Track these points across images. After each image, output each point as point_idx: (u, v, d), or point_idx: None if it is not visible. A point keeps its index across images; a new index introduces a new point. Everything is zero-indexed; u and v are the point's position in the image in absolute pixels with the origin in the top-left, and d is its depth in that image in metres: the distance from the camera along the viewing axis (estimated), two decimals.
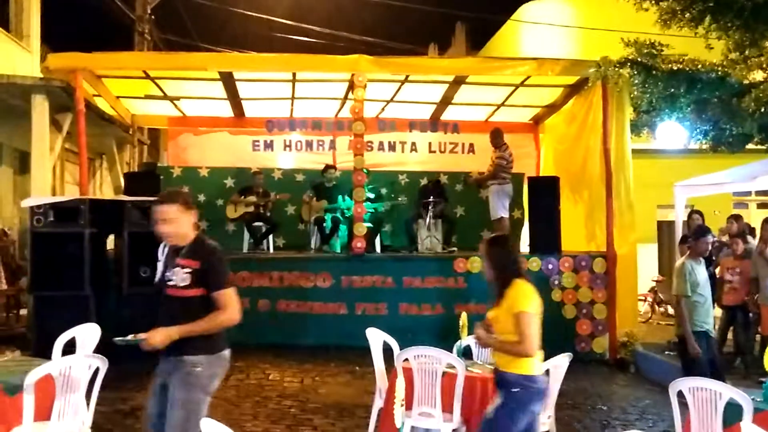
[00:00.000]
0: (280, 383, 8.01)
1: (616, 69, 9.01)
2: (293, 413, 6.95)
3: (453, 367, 5.16)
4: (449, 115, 12.97)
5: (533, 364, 4.07)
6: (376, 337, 6.05)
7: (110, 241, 9.98)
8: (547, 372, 5.27)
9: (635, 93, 9.41)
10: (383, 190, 11.77)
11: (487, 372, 5.44)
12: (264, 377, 8.22)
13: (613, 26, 12.78)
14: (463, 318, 5.74)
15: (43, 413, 4.51)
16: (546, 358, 5.31)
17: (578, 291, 9.97)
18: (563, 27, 17.43)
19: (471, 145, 13.40)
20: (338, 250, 10.99)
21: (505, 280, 4.13)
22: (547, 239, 10.23)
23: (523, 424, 4.05)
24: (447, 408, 5.13)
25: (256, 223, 11.14)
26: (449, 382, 5.13)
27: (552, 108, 12.51)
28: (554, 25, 17.42)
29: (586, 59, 10.47)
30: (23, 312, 11.08)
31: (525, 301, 4.03)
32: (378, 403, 5.84)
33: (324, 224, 10.92)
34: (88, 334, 5.71)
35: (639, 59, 8.79)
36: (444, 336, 8.16)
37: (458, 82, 11.17)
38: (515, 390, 4.03)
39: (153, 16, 18.71)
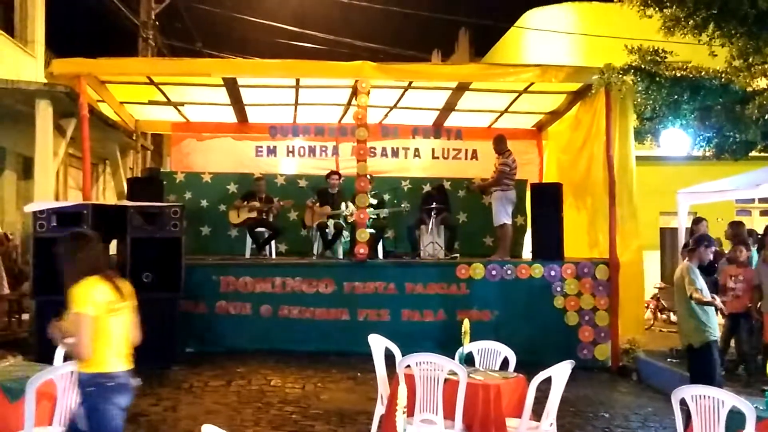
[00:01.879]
0: (282, 389, 7.99)
1: (620, 76, 9.00)
2: (295, 419, 6.93)
3: (455, 373, 5.16)
4: (452, 121, 12.96)
5: (107, 362, 4.00)
6: (378, 344, 6.05)
7: (113, 247, 9.98)
8: (549, 381, 5.28)
9: (639, 100, 9.40)
10: (386, 196, 11.77)
11: (490, 379, 5.44)
12: (266, 383, 8.20)
13: (616, 33, 12.80)
14: (466, 324, 5.74)
15: (45, 418, 4.52)
16: (548, 364, 5.32)
17: (581, 298, 9.94)
18: (567, 34, 17.46)
19: (474, 151, 13.40)
20: (341, 256, 10.99)
21: (75, 278, 4.05)
22: (549, 246, 10.21)
23: (116, 417, 3.99)
24: (449, 415, 5.12)
25: (259, 229, 11.15)
26: (451, 388, 5.12)
27: (555, 115, 12.51)
28: (558, 32, 17.45)
29: (590, 66, 10.46)
30: (25, 317, 11.09)
31: (82, 301, 3.96)
32: (380, 409, 5.84)
33: (326, 230, 10.92)
34: None
35: (642, 66, 8.78)
36: (446, 342, 8.14)
37: (461, 88, 11.17)
38: (89, 389, 3.97)
39: (157, 22, 18.78)
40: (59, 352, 5.52)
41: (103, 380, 3.97)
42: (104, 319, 3.99)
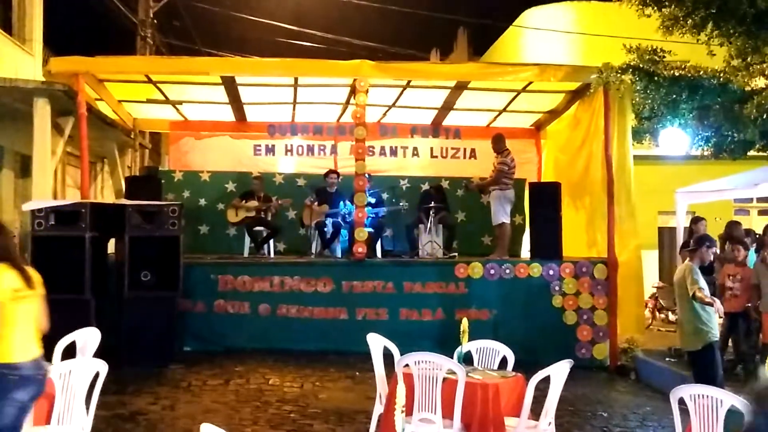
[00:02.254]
0: (280, 388, 7.99)
1: (618, 75, 8.99)
2: (293, 418, 6.93)
3: (453, 372, 5.15)
4: (451, 120, 12.96)
5: (12, 351, 3.99)
6: (376, 343, 6.04)
7: (111, 245, 9.97)
8: (548, 380, 5.28)
9: (637, 99, 9.39)
10: (384, 195, 11.76)
11: (488, 378, 5.44)
12: (264, 382, 8.20)
13: (615, 32, 12.80)
14: (464, 323, 5.73)
15: (43, 417, 4.51)
16: (547, 363, 5.32)
17: (579, 297, 9.94)
18: (565, 33, 17.47)
19: (473, 150, 13.40)
20: (339, 255, 10.98)
21: None
22: (548, 245, 10.22)
23: (10, 414, 3.97)
24: (447, 414, 5.12)
25: (257, 228, 11.14)
26: (450, 387, 5.12)
27: (554, 114, 12.50)
28: (556, 31, 17.46)
29: (588, 65, 10.46)
30: None
31: None
32: (378, 408, 5.83)
33: (325, 229, 10.92)
34: (88, 338, 5.71)
35: (641, 65, 8.78)
36: (444, 341, 8.16)
37: (460, 87, 11.17)
38: None
39: (155, 21, 18.77)
40: (58, 351, 5.53)
41: (7, 372, 3.96)
42: (10, 307, 3.99)
